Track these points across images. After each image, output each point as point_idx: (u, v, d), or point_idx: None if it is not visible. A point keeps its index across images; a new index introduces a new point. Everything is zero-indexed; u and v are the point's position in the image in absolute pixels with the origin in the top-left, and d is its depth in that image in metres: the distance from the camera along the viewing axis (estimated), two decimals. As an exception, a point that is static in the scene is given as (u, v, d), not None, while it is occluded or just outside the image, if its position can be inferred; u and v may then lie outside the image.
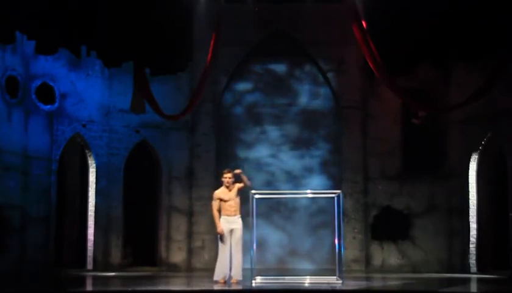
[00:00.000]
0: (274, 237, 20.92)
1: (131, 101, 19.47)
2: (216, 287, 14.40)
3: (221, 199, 15.05)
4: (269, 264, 20.21)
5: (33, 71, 18.63)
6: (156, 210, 20.82)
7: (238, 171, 15.13)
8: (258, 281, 14.96)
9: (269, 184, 20.69)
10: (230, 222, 15.00)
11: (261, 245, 18.76)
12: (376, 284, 15.86)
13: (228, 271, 14.86)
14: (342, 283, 14.84)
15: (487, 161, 19.71)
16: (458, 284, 16.02)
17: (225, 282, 14.79)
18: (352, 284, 15.05)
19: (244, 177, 15.06)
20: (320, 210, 20.93)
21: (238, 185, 15.09)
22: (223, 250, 14.93)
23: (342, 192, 15.79)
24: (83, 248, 19.73)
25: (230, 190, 15.09)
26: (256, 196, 15.32)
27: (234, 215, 15.04)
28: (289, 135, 21.53)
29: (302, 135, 21.50)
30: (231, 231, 14.98)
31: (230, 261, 14.88)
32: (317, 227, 21.07)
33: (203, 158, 20.87)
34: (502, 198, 18.99)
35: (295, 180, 21.15)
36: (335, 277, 15.32)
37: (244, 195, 15.23)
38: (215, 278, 14.88)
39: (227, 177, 15.14)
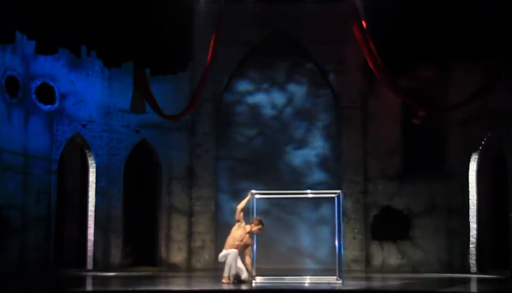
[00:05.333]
0: (275, 236, 20.91)
1: (131, 101, 19.47)
2: (218, 287, 14.43)
3: (237, 242, 15.12)
4: (269, 264, 20.21)
5: (33, 71, 18.63)
6: (156, 210, 20.82)
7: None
8: (258, 281, 14.97)
9: (269, 184, 20.66)
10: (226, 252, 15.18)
11: (262, 244, 18.70)
12: (376, 284, 15.85)
13: (235, 272, 14.95)
14: (342, 283, 14.85)
15: (487, 161, 19.71)
16: (458, 284, 16.01)
17: (230, 282, 14.84)
18: (352, 284, 15.06)
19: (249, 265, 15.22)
20: (320, 211, 20.96)
21: (248, 243, 15.20)
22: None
23: (342, 192, 15.80)
24: (83, 248, 19.73)
25: (248, 235, 15.19)
26: (257, 196, 15.36)
27: (229, 248, 15.11)
28: (289, 135, 21.54)
29: (301, 135, 21.52)
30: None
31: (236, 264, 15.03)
32: (318, 228, 21.09)
33: (203, 158, 20.88)
34: (502, 198, 18.99)
35: (295, 180, 21.14)
36: (335, 277, 15.33)
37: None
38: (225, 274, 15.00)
39: (259, 229, 15.23)
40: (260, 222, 15.19)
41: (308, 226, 21.21)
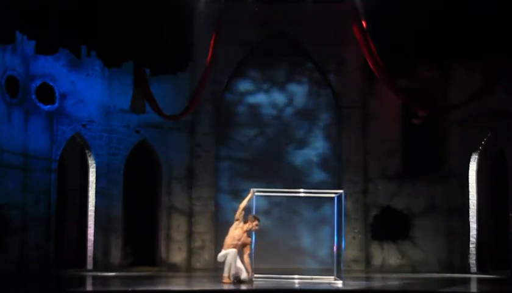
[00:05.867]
0: (275, 236, 20.92)
1: (131, 101, 19.47)
2: (218, 287, 14.43)
3: (235, 241, 15.17)
4: (269, 264, 20.21)
5: (33, 71, 18.63)
6: (156, 210, 20.82)
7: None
8: (257, 280, 14.97)
9: (270, 184, 20.65)
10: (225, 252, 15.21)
11: (262, 244, 18.77)
12: (376, 284, 15.86)
13: (234, 272, 14.96)
14: (342, 283, 14.85)
15: (487, 161, 19.71)
16: (458, 284, 16.02)
17: (231, 282, 14.85)
18: (352, 284, 15.06)
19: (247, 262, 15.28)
20: (321, 211, 20.96)
21: (247, 242, 15.27)
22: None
23: (343, 192, 15.84)
24: (83, 248, 19.72)
25: (245, 234, 15.24)
26: (257, 193, 15.38)
27: (228, 248, 15.15)
28: (289, 135, 21.54)
29: (301, 135, 21.52)
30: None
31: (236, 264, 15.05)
32: (318, 227, 21.09)
33: (203, 158, 20.88)
34: (502, 198, 19.00)
35: (295, 179, 21.13)
36: (334, 277, 15.34)
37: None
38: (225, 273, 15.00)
39: (257, 225, 15.33)
40: (255, 218, 15.30)
41: (308, 226, 21.20)
